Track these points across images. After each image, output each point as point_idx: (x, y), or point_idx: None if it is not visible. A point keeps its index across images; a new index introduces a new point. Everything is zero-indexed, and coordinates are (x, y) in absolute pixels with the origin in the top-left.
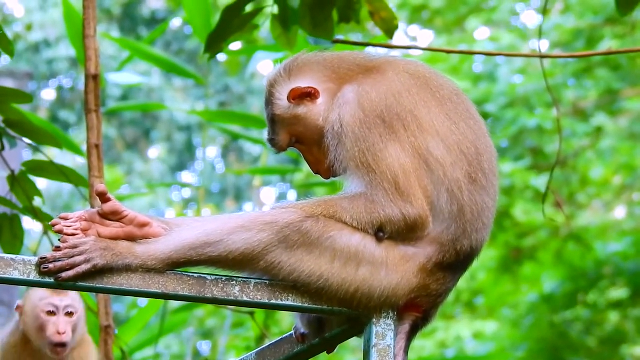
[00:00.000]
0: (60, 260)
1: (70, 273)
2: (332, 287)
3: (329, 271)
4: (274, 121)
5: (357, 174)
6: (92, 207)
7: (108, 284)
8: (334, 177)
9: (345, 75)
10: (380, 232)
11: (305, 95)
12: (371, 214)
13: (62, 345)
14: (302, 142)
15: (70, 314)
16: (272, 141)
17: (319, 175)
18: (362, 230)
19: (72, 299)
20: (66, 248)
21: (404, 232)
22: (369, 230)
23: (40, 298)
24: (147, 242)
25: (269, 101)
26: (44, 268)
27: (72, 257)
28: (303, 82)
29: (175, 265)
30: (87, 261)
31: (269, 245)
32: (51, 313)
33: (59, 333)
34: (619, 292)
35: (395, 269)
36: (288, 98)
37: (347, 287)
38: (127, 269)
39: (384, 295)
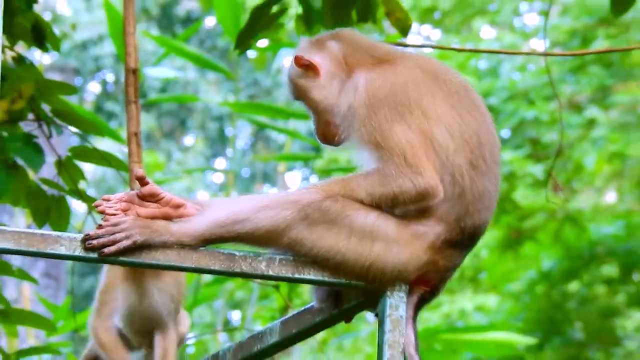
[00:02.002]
0: (102, 237)
1: (112, 248)
2: (349, 262)
3: (346, 247)
4: (288, 79)
5: (368, 152)
6: (132, 189)
7: (146, 259)
8: (330, 144)
9: (359, 62)
10: (395, 208)
11: (307, 68)
12: (384, 186)
13: None
14: (307, 108)
15: None
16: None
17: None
18: (376, 203)
19: None
20: (108, 226)
21: (416, 202)
22: (382, 204)
23: None
24: (181, 221)
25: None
26: (88, 244)
27: (114, 234)
28: (316, 57)
29: (207, 241)
30: (127, 237)
31: (292, 223)
32: None
33: None
34: (610, 270)
35: (406, 245)
36: (295, 62)
37: (362, 261)
38: (164, 245)
39: (396, 270)
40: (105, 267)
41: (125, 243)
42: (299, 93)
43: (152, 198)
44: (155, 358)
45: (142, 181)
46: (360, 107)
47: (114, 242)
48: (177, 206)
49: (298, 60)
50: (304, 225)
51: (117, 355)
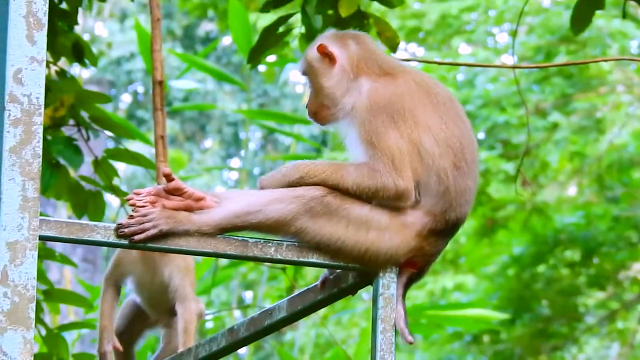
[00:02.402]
0: (133, 226)
1: (141, 236)
2: (347, 248)
3: (344, 235)
4: (304, 55)
5: (361, 148)
6: (159, 185)
7: (171, 245)
8: (315, 121)
9: (367, 69)
10: (372, 200)
11: (326, 56)
12: (371, 180)
13: None
14: (309, 84)
15: None
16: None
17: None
18: (358, 193)
19: None
20: (138, 216)
21: (392, 200)
22: (364, 195)
23: None
24: (201, 212)
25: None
26: (120, 232)
27: (143, 223)
28: (336, 50)
29: (224, 230)
30: (154, 227)
31: (297, 214)
32: None
33: None
34: (572, 255)
35: (397, 233)
36: (317, 48)
37: (359, 247)
38: (186, 233)
39: (388, 254)
40: (116, 260)
41: (153, 231)
42: (310, 72)
43: (177, 192)
44: (178, 330)
45: (169, 177)
46: (362, 110)
47: (143, 231)
48: (198, 199)
49: (321, 48)
50: (307, 217)
51: (104, 322)
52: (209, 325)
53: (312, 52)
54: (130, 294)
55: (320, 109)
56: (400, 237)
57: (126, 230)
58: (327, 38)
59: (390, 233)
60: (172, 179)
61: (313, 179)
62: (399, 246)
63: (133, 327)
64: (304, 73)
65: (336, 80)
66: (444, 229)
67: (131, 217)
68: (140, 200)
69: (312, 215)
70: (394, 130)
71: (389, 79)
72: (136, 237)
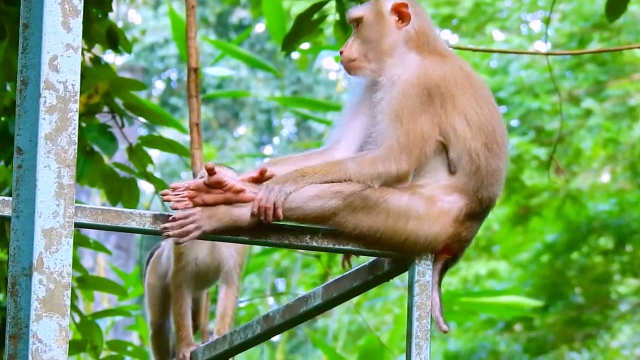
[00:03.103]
0: (176, 229)
1: (186, 238)
2: (386, 238)
3: (384, 226)
4: (373, 3)
5: (386, 119)
6: (194, 173)
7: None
8: (346, 67)
9: (423, 44)
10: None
11: (400, 15)
12: (372, 167)
13: None
14: (360, 31)
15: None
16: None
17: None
18: (363, 182)
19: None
20: (180, 219)
21: (393, 183)
22: (368, 182)
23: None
24: (241, 207)
25: None
26: (166, 235)
27: (185, 225)
28: (413, 13)
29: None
30: (197, 228)
31: (337, 210)
32: None
33: None
34: (605, 242)
35: (435, 221)
36: (398, 4)
37: (398, 237)
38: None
39: (427, 242)
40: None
41: (196, 233)
42: (371, 21)
43: (218, 185)
44: (217, 310)
45: (211, 171)
46: (406, 83)
47: (186, 233)
48: (238, 192)
49: (401, 5)
50: (347, 212)
51: (184, 322)
52: (242, 312)
53: (388, 4)
54: (151, 279)
55: (360, 59)
56: (439, 224)
57: (171, 233)
58: (408, 1)
59: (429, 222)
60: (215, 173)
61: (322, 180)
62: (438, 233)
63: (167, 312)
64: (360, 19)
65: (395, 42)
66: (478, 211)
67: (174, 219)
68: (176, 196)
69: (352, 210)
70: (428, 113)
71: (439, 59)
72: (181, 240)
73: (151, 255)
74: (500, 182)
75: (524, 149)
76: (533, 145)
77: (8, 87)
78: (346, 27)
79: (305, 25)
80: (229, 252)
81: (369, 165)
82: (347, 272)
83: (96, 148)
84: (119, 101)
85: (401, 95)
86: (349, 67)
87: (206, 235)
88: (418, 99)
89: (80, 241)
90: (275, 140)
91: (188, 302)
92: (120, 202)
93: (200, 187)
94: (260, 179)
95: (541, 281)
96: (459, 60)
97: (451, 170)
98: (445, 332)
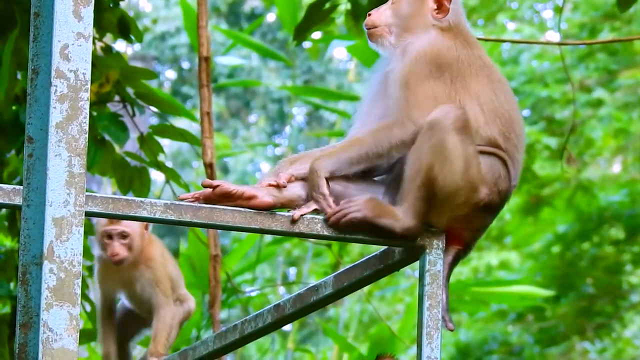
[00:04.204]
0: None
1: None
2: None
3: None
4: None
5: (396, 88)
6: (204, 163)
7: (218, 221)
8: (369, 32)
9: (449, 31)
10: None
11: (439, 5)
12: (390, 132)
13: (119, 262)
14: (396, 3)
15: (125, 236)
16: None
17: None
18: (383, 151)
19: (124, 225)
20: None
21: (411, 144)
22: (386, 151)
23: (101, 226)
24: None
25: None
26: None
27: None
28: (451, 8)
29: None
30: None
31: None
32: (109, 238)
33: (114, 253)
34: (616, 232)
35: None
36: None
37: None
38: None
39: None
40: (96, 279)
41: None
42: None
43: (226, 196)
44: (152, 333)
45: (212, 186)
46: (416, 51)
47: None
48: (249, 198)
49: None
50: None
51: (108, 348)
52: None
53: None
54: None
55: (383, 29)
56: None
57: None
58: None
59: None
60: (217, 186)
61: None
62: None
63: (128, 327)
64: None
65: (424, 27)
66: (495, 204)
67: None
68: None
69: None
70: (437, 81)
71: (459, 43)
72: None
73: None
74: (517, 172)
75: (535, 138)
76: (543, 134)
77: (19, 76)
78: (357, 16)
79: (317, 15)
80: (140, 284)
81: (386, 131)
82: (358, 262)
83: (107, 137)
84: (130, 90)
85: (412, 62)
86: (370, 32)
87: (209, 222)
88: (427, 67)
89: (91, 230)
90: (287, 129)
91: (113, 327)
92: (131, 191)
93: (209, 198)
94: (278, 186)
95: (552, 272)
96: (481, 51)
97: None
98: (451, 330)
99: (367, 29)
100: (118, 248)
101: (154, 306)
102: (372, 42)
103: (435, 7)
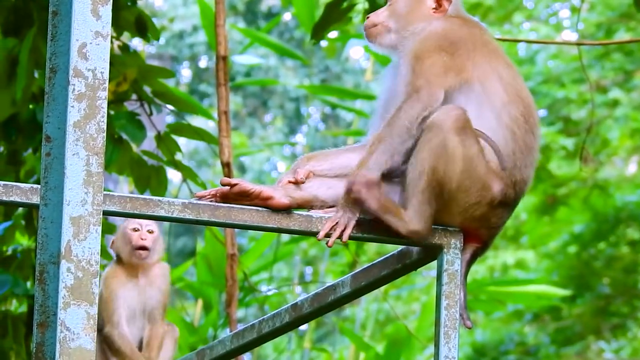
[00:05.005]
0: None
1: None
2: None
3: None
4: None
5: (408, 63)
6: (221, 162)
7: (235, 220)
8: (367, 32)
9: (456, 17)
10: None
11: (438, 3)
12: (405, 114)
13: (144, 248)
14: (394, 3)
15: (150, 232)
16: None
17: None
18: (413, 125)
19: (153, 222)
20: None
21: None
22: (415, 123)
23: (128, 222)
24: None
25: None
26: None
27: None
28: (449, 8)
29: None
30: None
31: None
32: (135, 230)
33: (141, 239)
34: (633, 232)
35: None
36: None
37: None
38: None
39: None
40: (104, 280)
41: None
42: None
43: (243, 194)
44: (143, 345)
45: (230, 185)
46: (428, 32)
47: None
48: (266, 199)
49: None
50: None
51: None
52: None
53: None
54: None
55: (382, 27)
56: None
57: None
58: None
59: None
60: (235, 184)
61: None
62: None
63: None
64: None
65: (422, 25)
66: (511, 199)
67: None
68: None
69: None
70: (451, 56)
71: (471, 25)
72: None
73: None
74: (533, 164)
75: (551, 139)
76: (560, 135)
77: (36, 75)
78: None
79: (334, 14)
80: (156, 293)
81: (403, 113)
82: (375, 261)
83: (124, 136)
84: (147, 89)
85: (423, 40)
86: (369, 32)
87: (226, 221)
88: (439, 42)
89: (108, 229)
90: (304, 128)
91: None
92: (148, 190)
93: (227, 196)
94: (297, 182)
95: (569, 272)
96: (495, 42)
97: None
98: (469, 328)
99: (366, 29)
100: (145, 236)
101: (153, 315)
102: (371, 41)
103: (434, 5)
